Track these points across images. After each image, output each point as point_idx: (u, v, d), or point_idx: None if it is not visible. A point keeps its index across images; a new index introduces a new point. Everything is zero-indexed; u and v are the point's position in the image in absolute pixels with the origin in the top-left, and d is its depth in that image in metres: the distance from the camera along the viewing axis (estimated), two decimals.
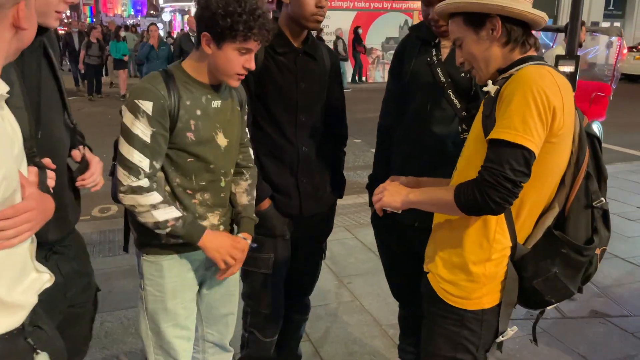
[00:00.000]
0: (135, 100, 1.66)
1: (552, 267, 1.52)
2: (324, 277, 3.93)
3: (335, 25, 16.27)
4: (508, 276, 1.56)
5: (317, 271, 2.48)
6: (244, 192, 2.00)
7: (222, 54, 1.70)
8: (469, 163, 1.56)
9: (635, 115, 11.34)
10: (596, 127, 6.95)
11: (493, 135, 1.41)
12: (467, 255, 1.57)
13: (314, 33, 2.28)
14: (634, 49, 17.94)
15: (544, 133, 1.41)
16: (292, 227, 2.25)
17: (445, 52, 2.05)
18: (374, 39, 17.83)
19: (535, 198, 1.52)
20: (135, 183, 1.67)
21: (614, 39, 10.13)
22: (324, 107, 2.24)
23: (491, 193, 1.37)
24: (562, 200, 1.53)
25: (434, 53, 2.07)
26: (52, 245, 1.58)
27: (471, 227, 1.56)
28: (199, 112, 1.76)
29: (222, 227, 1.93)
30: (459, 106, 2.02)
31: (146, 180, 1.69)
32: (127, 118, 1.67)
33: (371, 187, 2.37)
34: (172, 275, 1.85)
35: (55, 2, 1.42)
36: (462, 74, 2.00)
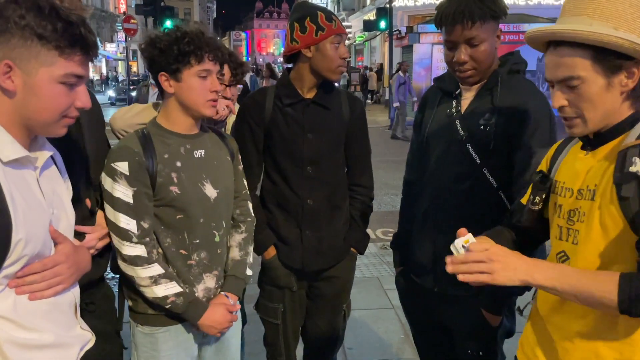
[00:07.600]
0: (111, 164, 1.66)
1: None
2: (389, 329, 3.74)
3: None
4: None
5: (335, 333, 2.33)
6: (237, 246, 1.90)
7: (184, 86, 1.68)
8: (608, 258, 1.22)
9: None
10: None
11: None
12: None
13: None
14: None
15: None
16: (299, 281, 2.19)
17: (465, 104, 1.90)
18: None
19: None
20: (133, 252, 1.64)
21: None
22: (339, 158, 2.18)
23: None
24: None
25: (453, 105, 1.92)
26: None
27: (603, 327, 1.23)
28: (179, 164, 1.72)
29: (218, 291, 1.84)
30: (478, 161, 1.85)
31: (142, 247, 1.66)
32: (107, 183, 1.66)
33: (394, 244, 2.24)
34: (167, 348, 1.78)
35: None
36: (482, 127, 1.83)
